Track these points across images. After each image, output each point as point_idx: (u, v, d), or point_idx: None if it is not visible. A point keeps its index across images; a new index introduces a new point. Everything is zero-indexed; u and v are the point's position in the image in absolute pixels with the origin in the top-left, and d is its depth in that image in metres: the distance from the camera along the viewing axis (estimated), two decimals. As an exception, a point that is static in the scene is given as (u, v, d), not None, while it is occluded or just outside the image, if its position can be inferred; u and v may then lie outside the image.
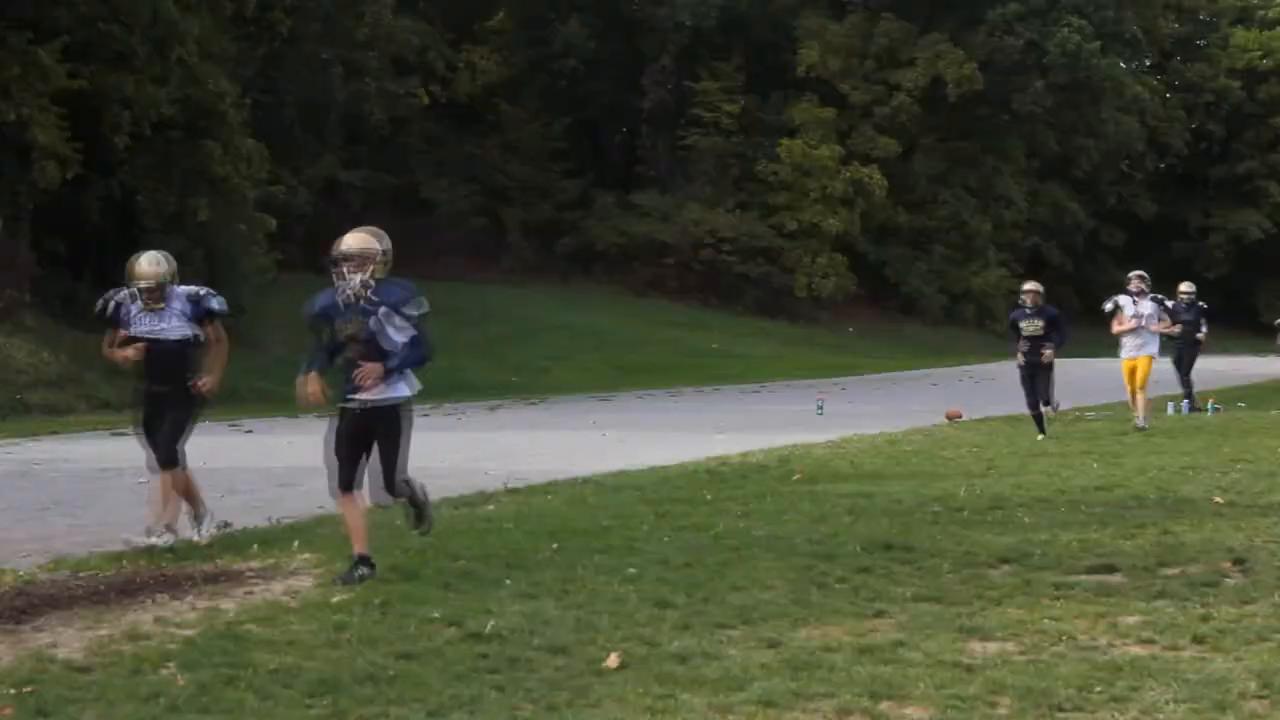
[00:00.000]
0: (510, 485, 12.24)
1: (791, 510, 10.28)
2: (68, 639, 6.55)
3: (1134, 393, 18.29)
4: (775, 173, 55.67)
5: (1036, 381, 16.86)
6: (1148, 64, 71.67)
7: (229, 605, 7.24)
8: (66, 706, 5.43)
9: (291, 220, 41.94)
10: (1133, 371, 18.27)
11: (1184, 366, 22.25)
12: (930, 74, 56.86)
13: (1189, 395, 22.19)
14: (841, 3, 61.34)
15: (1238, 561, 8.24)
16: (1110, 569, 8.08)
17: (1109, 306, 18.62)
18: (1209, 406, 22.31)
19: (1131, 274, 18.77)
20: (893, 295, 59.55)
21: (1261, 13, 70.66)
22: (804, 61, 57.23)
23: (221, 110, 32.07)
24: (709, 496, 11.17)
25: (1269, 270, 69.10)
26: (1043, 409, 16.98)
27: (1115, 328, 18.47)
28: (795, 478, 12.53)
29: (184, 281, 9.97)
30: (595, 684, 5.75)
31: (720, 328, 49.93)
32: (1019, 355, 16.92)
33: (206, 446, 17.26)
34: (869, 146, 57.10)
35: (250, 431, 19.81)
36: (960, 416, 21.07)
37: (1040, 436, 16.50)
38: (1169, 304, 19.33)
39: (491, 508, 10.86)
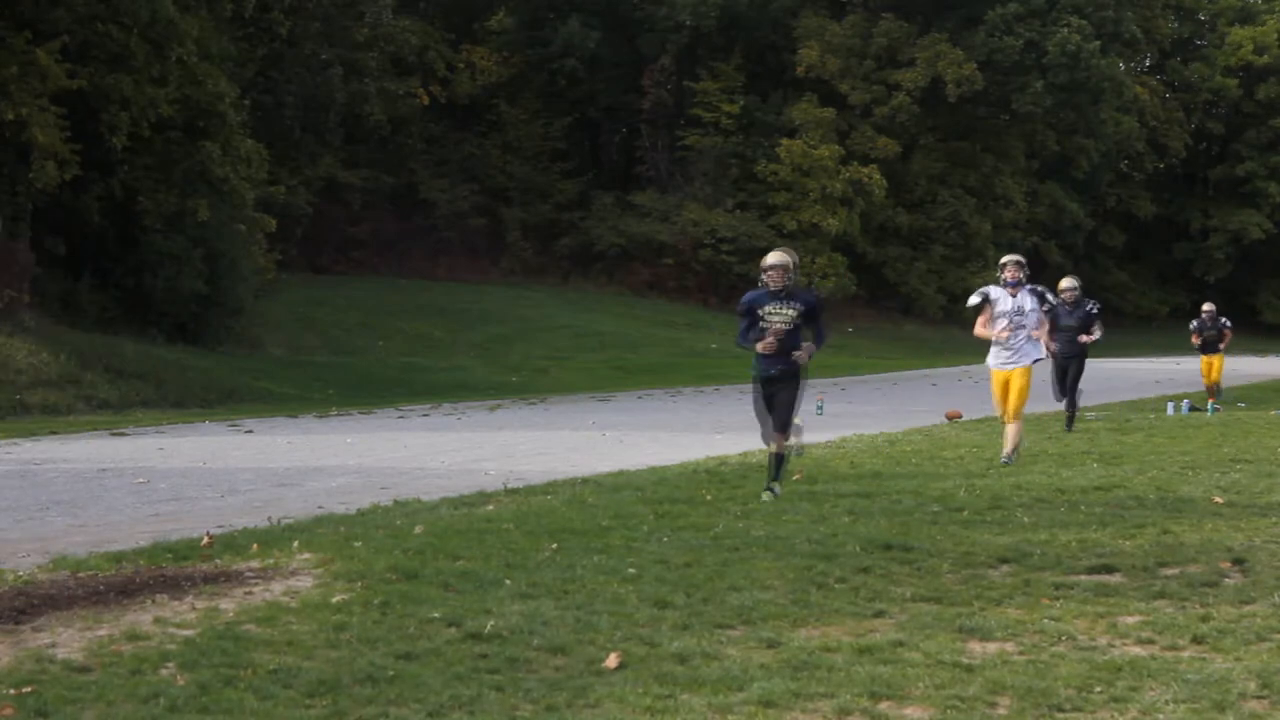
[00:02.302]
0: (510, 485, 12.24)
1: (791, 510, 10.28)
2: (67, 639, 6.54)
3: (1005, 415, 13.93)
4: (775, 173, 55.69)
5: (780, 396, 11.19)
6: (1147, 64, 71.73)
7: (229, 605, 7.23)
8: (66, 706, 5.43)
9: (291, 220, 41.98)
10: (1005, 385, 13.88)
11: (1069, 379, 18.36)
12: (930, 74, 56.89)
13: (1071, 415, 18.28)
14: (841, 3, 61.36)
15: (1237, 561, 8.24)
16: (1110, 569, 8.08)
17: (975, 300, 14.06)
18: (1209, 407, 22.32)
19: (1006, 259, 14.27)
20: (892, 295, 59.60)
21: (1265, 17, 70.67)
22: (803, 61, 57.27)
23: (221, 111, 32.10)
24: (708, 496, 11.17)
25: (1269, 270, 69.18)
26: (790, 438, 11.59)
27: (979, 329, 14.04)
28: (795, 478, 12.53)
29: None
30: (595, 684, 5.75)
31: (720, 328, 49.93)
32: (759, 361, 11.18)
33: (207, 447, 17.31)
34: (868, 146, 57.13)
35: (250, 431, 19.80)
36: (960, 416, 21.08)
37: (769, 492, 11.14)
38: (1050, 298, 14.51)
39: (491, 508, 10.86)
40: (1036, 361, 14.05)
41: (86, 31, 29.46)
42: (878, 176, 55.92)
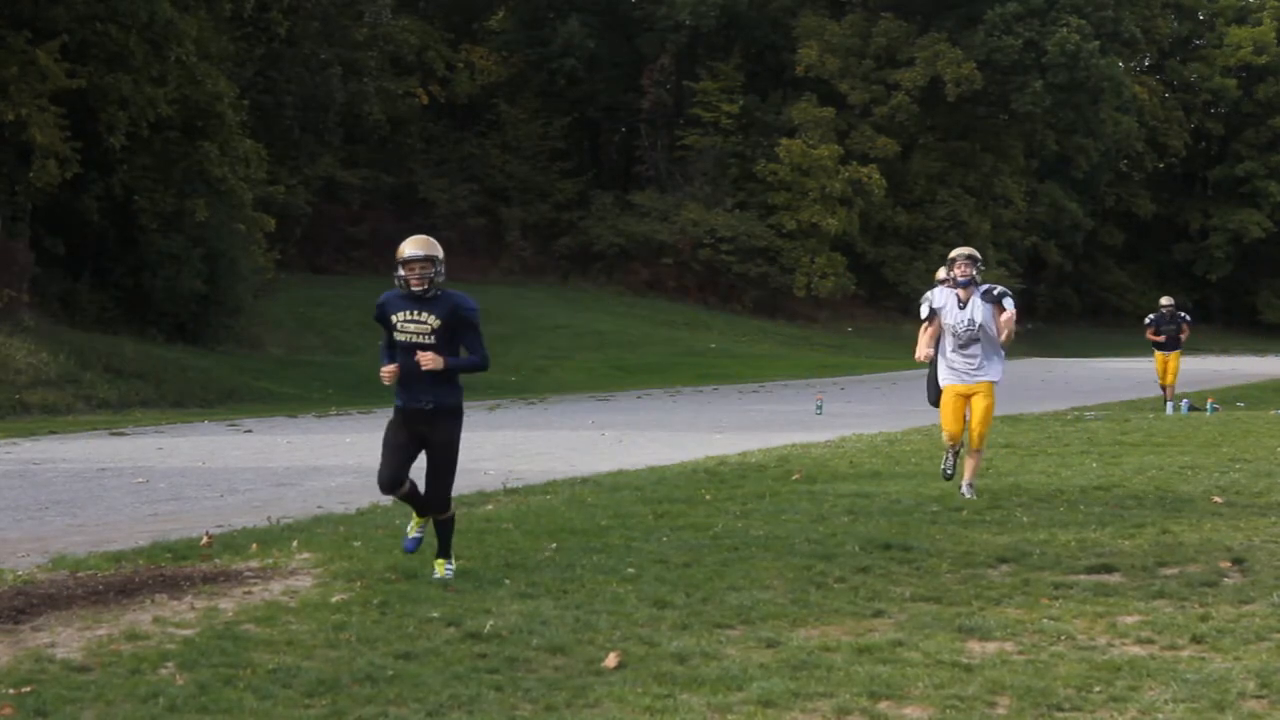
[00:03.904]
0: (509, 485, 12.24)
1: (790, 510, 10.28)
2: (66, 639, 6.54)
3: (961, 436, 11.25)
4: (774, 172, 55.69)
5: (436, 447, 8.05)
6: (1146, 64, 71.72)
7: (228, 605, 7.24)
8: (65, 706, 5.43)
9: (290, 220, 41.96)
10: (959, 403, 11.20)
11: None
12: (929, 74, 56.87)
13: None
14: (840, 2, 61.35)
15: (1236, 561, 8.24)
16: (1109, 569, 8.08)
17: (924, 311, 11.25)
18: (1208, 406, 22.33)
19: (956, 252, 11.27)
20: (891, 295, 59.58)
21: (1257, 15, 70.72)
22: (803, 61, 57.26)
23: (219, 111, 32.08)
24: (707, 496, 11.17)
25: (1269, 270, 69.21)
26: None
27: (921, 349, 11.25)
28: (794, 478, 12.53)
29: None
30: (594, 684, 5.75)
31: (719, 328, 49.92)
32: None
33: (206, 446, 17.30)
34: (868, 146, 57.12)
35: (250, 431, 19.80)
36: (959, 416, 21.01)
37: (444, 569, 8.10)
38: (1010, 301, 11.22)
39: (491, 508, 10.86)
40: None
41: (85, 31, 29.45)
42: (877, 176, 55.90)
